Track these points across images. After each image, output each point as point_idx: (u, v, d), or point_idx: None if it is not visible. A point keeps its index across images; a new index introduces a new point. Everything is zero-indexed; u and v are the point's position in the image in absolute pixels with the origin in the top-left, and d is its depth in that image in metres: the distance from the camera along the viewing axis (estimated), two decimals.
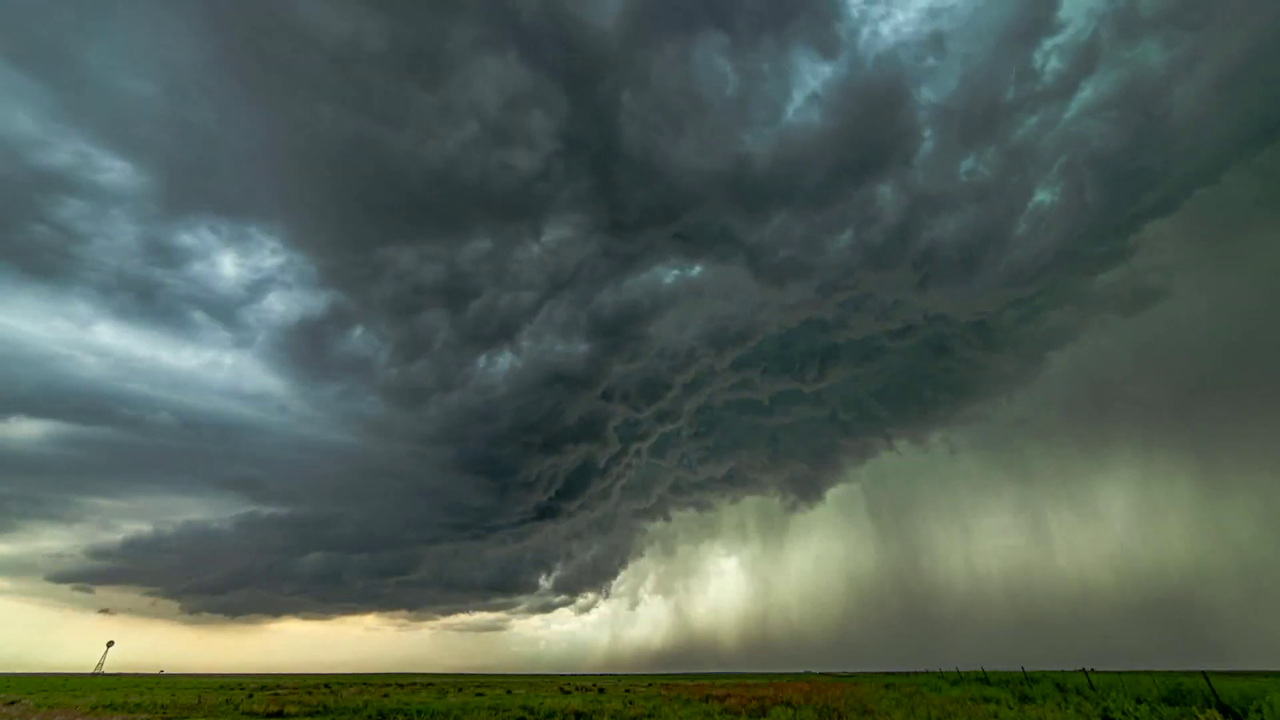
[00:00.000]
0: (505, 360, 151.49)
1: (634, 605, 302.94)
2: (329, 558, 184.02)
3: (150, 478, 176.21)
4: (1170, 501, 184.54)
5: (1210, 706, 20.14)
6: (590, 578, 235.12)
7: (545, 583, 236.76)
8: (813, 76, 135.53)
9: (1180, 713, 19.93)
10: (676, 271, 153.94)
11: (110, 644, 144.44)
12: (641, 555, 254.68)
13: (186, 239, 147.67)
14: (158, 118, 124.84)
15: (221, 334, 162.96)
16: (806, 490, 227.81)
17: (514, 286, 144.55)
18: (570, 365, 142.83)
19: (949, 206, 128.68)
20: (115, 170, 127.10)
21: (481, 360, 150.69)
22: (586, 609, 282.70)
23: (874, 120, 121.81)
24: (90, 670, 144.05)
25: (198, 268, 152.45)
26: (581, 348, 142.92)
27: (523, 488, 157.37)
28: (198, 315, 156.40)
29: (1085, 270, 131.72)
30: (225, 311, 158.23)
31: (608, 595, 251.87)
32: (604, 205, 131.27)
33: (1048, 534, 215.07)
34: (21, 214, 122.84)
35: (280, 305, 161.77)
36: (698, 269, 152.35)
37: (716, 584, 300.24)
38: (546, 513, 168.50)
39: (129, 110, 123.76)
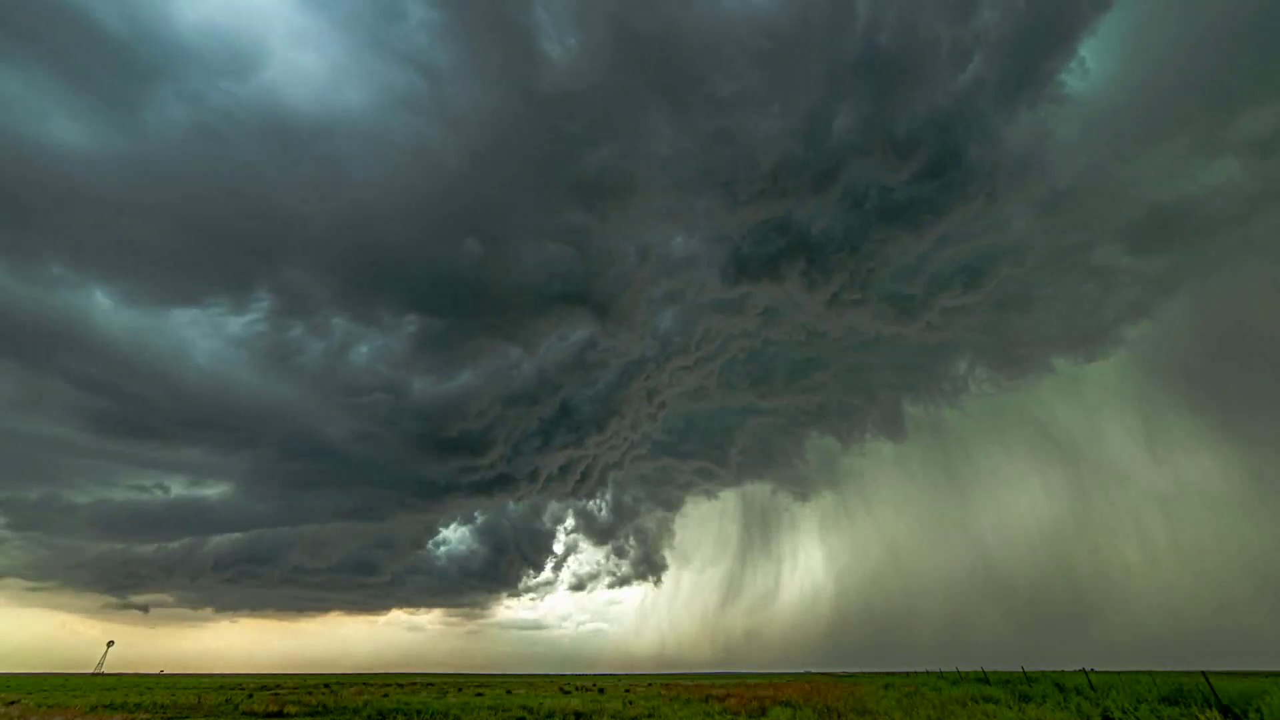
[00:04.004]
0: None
1: (652, 603, 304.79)
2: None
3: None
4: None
5: (1210, 706, 20.11)
6: (618, 573, 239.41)
7: (563, 574, 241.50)
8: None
9: (1180, 713, 19.89)
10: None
11: (110, 644, 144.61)
12: (663, 550, 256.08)
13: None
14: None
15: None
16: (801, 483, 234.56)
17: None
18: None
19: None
20: None
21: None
22: (614, 603, 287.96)
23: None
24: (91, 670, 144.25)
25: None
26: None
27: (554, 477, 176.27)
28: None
29: None
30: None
31: (637, 582, 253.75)
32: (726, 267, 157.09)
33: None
34: None
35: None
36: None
37: (730, 581, 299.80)
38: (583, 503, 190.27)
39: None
